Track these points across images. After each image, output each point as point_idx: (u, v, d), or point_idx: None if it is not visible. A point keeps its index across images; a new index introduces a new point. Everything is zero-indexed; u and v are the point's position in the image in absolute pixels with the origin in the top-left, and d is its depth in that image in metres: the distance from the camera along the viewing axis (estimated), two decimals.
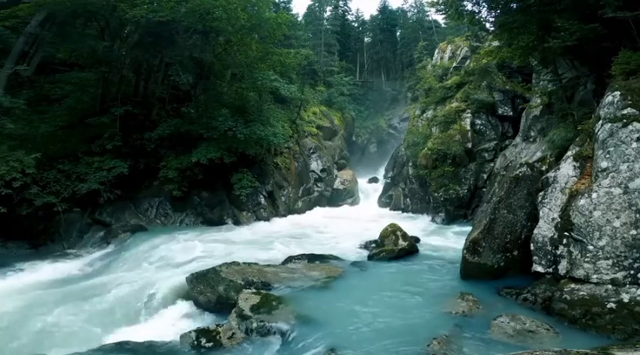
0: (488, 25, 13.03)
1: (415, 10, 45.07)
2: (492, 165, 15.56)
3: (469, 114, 16.66)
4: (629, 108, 6.13)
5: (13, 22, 12.55)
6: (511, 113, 16.46)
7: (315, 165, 21.88)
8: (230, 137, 14.09)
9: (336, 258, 9.59)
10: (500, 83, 17.06)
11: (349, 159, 28.34)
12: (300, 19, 37.42)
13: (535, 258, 6.52)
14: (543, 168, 8.55)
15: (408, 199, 18.87)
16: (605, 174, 5.98)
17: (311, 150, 22.24)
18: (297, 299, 6.71)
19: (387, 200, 20.95)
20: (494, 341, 5.10)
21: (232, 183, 14.77)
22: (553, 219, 6.45)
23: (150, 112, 15.29)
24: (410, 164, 18.76)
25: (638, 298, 5.15)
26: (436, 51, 25.36)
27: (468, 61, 20.42)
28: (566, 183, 6.62)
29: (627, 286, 5.33)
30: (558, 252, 6.18)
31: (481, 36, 19.69)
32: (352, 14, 48.66)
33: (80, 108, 13.90)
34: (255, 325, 5.83)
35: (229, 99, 16.47)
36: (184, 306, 7.21)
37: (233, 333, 5.75)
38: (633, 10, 7.10)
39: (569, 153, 7.09)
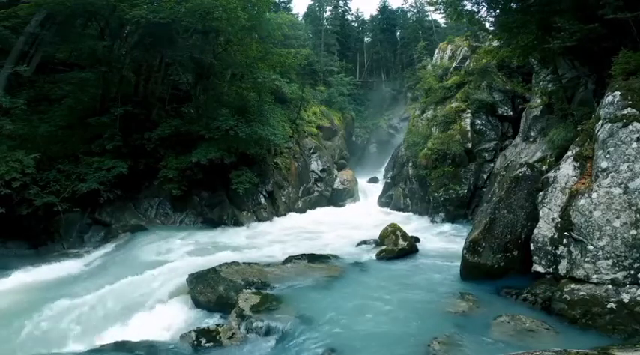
0: (487, 24, 13.07)
1: (415, 10, 44.96)
2: (492, 165, 15.54)
3: (469, 114, 16.63)
4: (629, 108, 6.14)
5: (13, 22, 12.51)
6: (511, 113, 16.43)
7: (315, 165, 21.85)
8: (232, 136, 14.07)
9: (335, 257, 9.58)
10: (500, 83, 17.04)
11: (349, 159, 28.31)
12: (300, 19, 37.42)
13: (535, 258, 6.53)
14: (543, 168, 8.55)
15: (408, 199, 18.86)
16: (605, 174, 5.98)
17: (311, 150, 22.21)
18: (297, 299, 6.72)
19: (387, 200, 20.92)
20: (495, 340, 5.11)
21: (231, 179, 14.71)
22: (553, 219, 6.45)
23: (150, 112, 15.27)
24: (410, 164, 18.74)
25: (638, 298, 5.16)
26: (436, 51, 25.31)
27: (468, 60, 20.37)
28: (566, 183, 6.62)
29: (627, 286, 5.33)
30: (558, 252, 6.19)
31: (481, 36, 19.67)
32: (352, 14, 48.59)
33: (80, 108, 13.84)
34: (255, 325, 5.85)
35: (229, 99, 16.43)
36: (184, 306, 7.21)
37: (233, 333, 5.76)
38: (633, 11, 7.11)
39: (569, 153, 7.09)
